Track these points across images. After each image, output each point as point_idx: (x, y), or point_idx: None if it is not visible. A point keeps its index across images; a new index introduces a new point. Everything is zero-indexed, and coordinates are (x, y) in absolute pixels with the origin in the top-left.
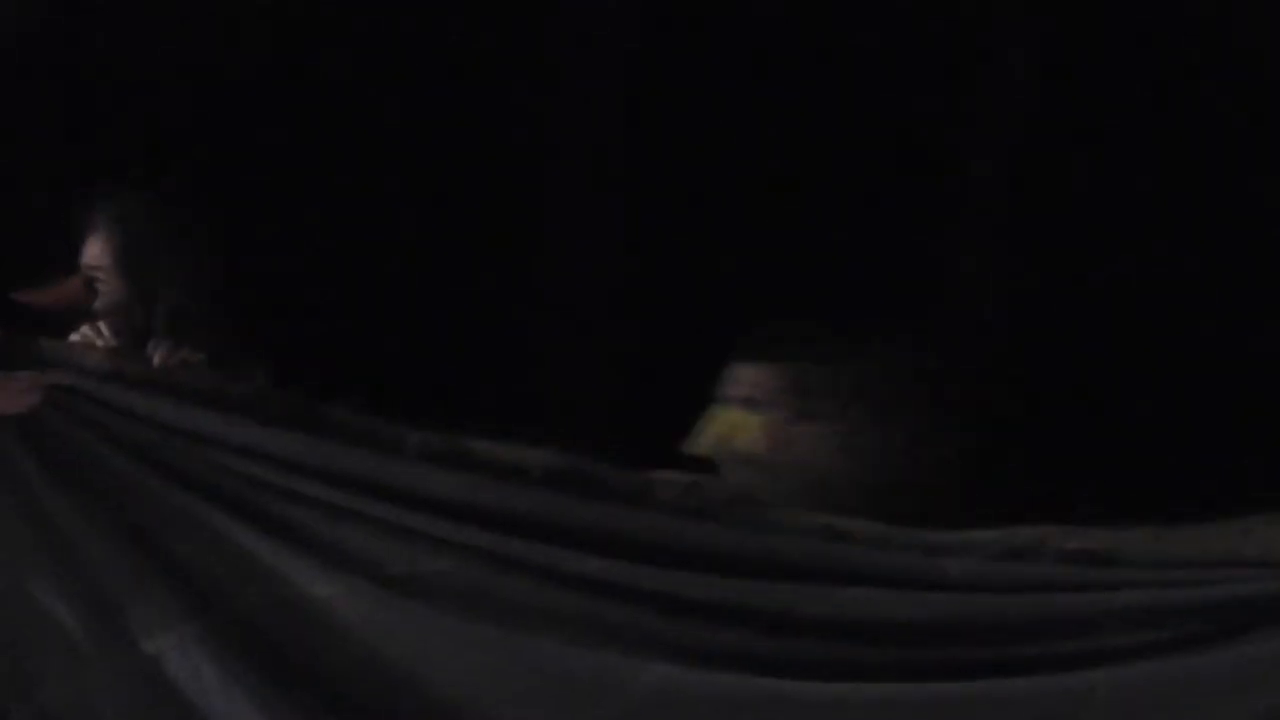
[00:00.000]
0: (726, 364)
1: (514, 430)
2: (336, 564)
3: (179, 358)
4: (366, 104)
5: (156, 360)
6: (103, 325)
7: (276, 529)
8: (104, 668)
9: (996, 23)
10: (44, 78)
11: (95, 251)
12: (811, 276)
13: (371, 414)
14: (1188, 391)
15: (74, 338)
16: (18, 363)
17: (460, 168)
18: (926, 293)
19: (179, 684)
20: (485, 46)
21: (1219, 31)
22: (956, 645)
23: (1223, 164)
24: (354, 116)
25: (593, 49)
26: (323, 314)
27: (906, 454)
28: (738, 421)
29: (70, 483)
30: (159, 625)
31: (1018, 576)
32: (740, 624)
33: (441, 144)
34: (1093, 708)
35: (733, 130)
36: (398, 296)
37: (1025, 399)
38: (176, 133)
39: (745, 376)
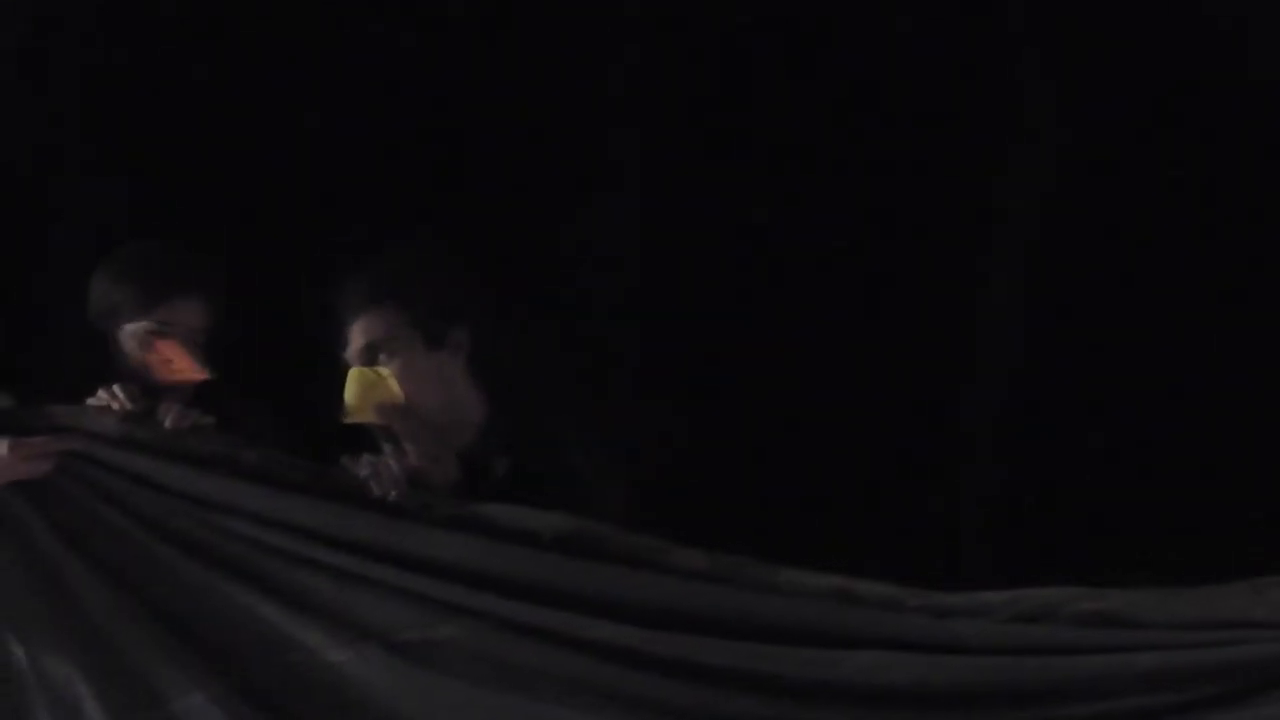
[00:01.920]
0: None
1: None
2: (348, 629)
3: (190, 420)
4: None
5: (168, 423)
6: (118, 389)
7: (288, 595)
8: None
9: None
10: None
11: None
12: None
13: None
14: (1202, 448)
15: (91, 401)
16: (30, 428)
17: None
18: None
19: None
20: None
21: (1249, 80)
22: (972, 709)
23: (1251, 220)
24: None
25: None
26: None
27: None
28: (370, 377)
29: (84, 550)
30: (174, 692)
31: (1032, 639)
32: (753, 689)
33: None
34: None
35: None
36: None
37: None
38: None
39: (360, 330)
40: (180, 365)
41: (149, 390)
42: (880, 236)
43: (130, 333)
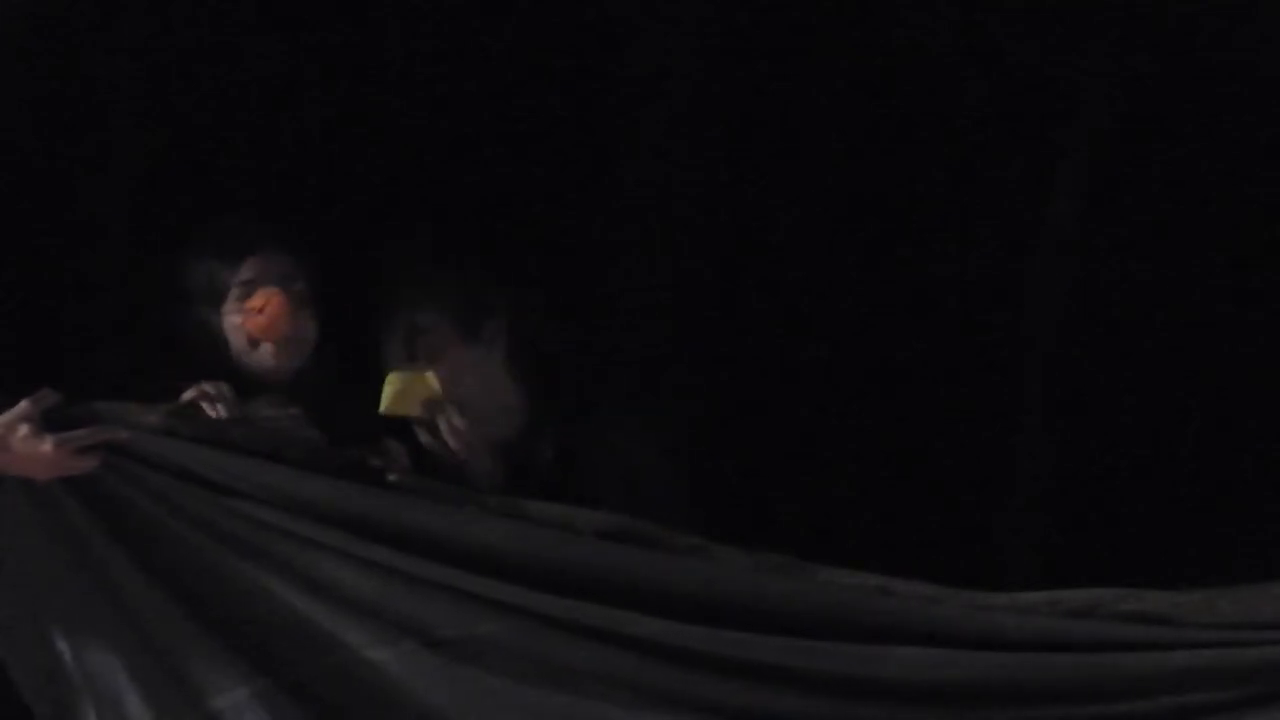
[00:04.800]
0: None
1: None
2: (389, 627)
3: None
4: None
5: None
6: (214, 385)
7: (330, 592)
8: None
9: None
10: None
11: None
12: None
13: None
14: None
15: (189, 395)
16: (75, 424)
17: None
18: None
19: None
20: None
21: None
22: (1014, 705)
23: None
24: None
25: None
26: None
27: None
28: (409, 373)
29: (128, 545)
30: (217, 687)
31: (1074, 636)
32: (797, 686)
33: None
34: None
35: None
36: None
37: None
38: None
39: (397, 326)
40: (268, 308)
41: (247, 386)
42: (924, 235)
43: (228, 307)
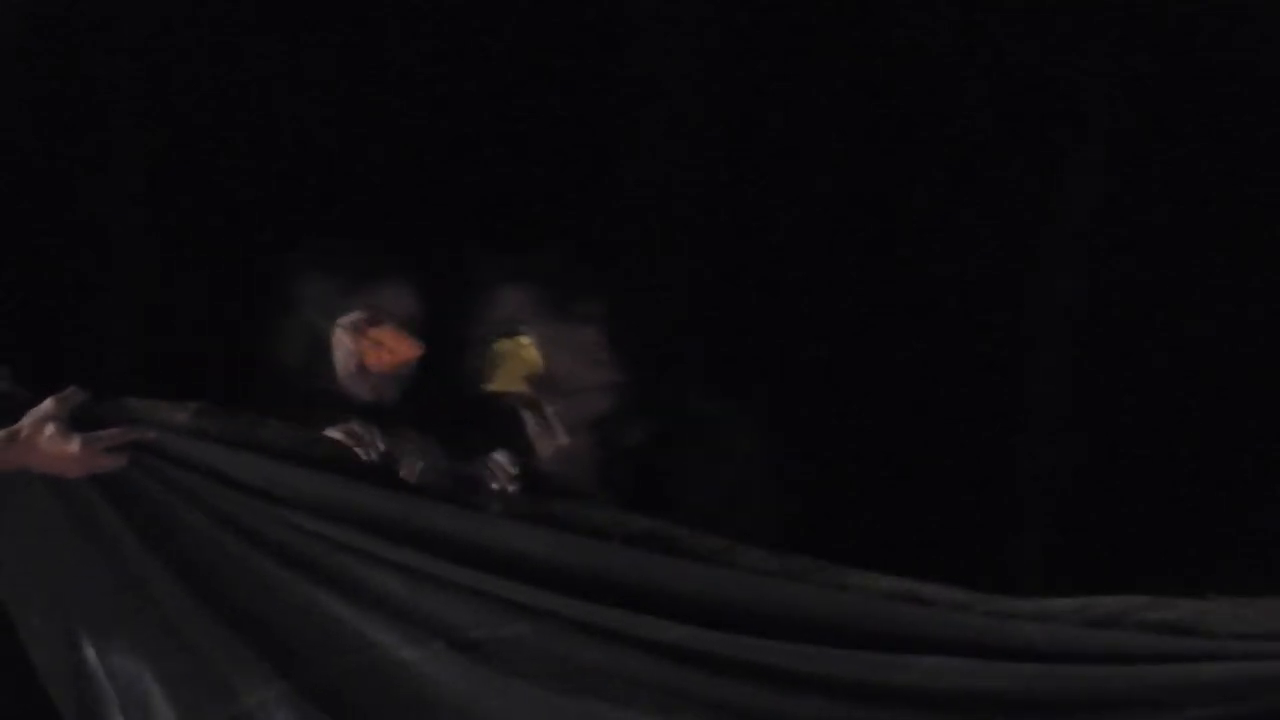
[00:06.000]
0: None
1: None
2: (418, 627)
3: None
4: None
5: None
6: (373, 429)
7: (359, 592)
8: None
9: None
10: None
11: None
12: None
13: None
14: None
15: (336, 432)
16: (103, 422)
17: None
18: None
19: None
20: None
21: None
22: (1039, 716)
23: None
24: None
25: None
26: None
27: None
28: (512, 348)
29: (155, 545)
30: (244, 688)
31: (1102, 646)
32: (821, 692)
33: None
34: None
35: None
36: None
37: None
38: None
39: (499, 303)
40: (396, 349)
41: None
42: (924, 235)
43: (344, 326)
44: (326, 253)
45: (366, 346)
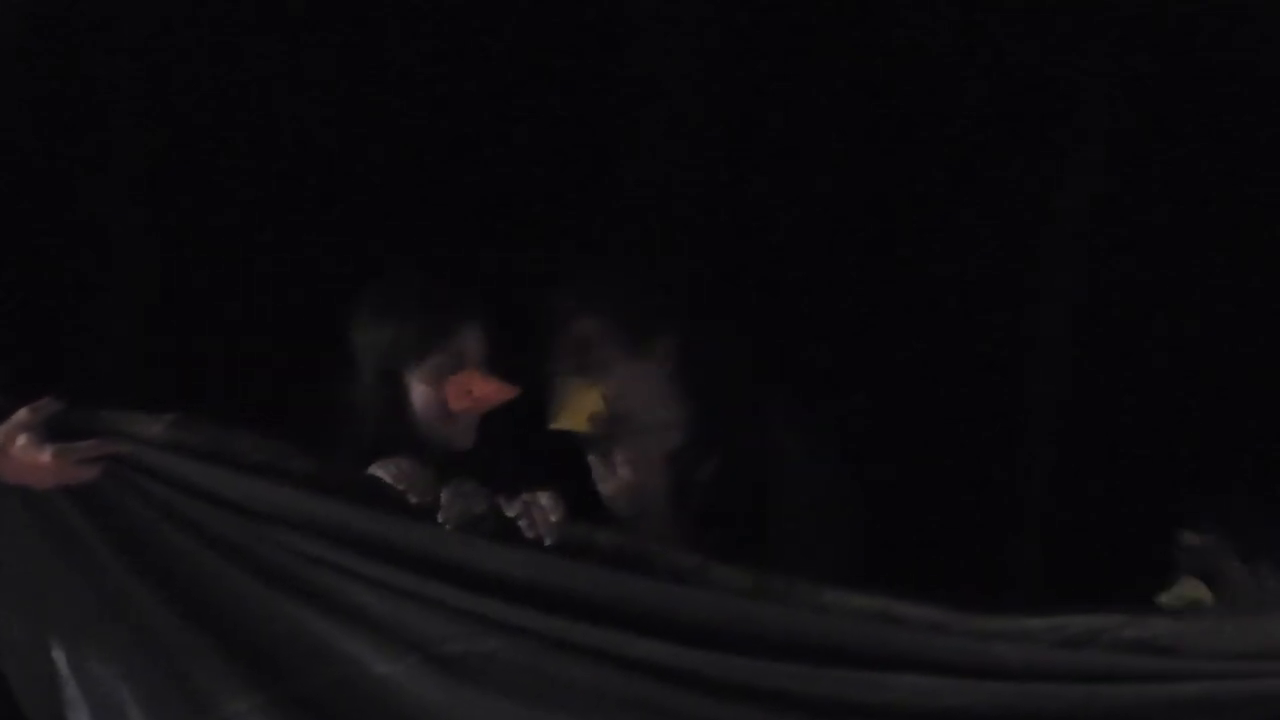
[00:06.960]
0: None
1: None
2: (394, 641)
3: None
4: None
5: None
6: (425, 471)
7: (334, 606)
8: None
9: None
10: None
11: None
12: None
13: None
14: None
15: (382, 472)
16: (77, 432)
17: None
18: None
19: None
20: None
21: None
22: None
23: None
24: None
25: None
26: None
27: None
28: (579, 386)
29: (129, 556)
30: (218, 700)
31: (1076, 666)
32: (798, 711)
33: None
34: None
35: None
36: None
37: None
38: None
39: (566, 341)
40: (483, 393)
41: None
42: (924, 235)
43: (423, 373)
44: (398, 295)
45: (452, 392)
